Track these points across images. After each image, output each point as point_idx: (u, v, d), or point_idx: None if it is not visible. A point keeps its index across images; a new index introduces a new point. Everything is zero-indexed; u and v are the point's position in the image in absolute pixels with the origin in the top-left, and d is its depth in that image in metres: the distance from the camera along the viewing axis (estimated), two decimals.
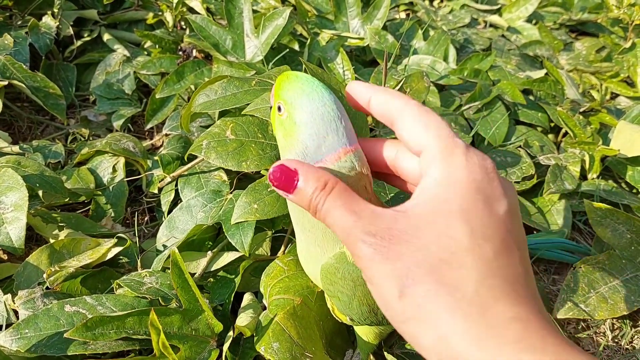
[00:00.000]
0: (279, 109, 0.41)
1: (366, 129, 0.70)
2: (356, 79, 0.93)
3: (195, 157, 0.73)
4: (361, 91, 0.39)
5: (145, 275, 0.56)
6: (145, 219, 0.78)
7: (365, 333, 0.52)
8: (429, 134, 0.34)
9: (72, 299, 0.51)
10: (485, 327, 0.29)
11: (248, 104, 0.62)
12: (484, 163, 0.33)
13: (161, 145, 0.89)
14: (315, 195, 0.34)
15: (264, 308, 0.54)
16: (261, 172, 0.66)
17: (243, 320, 0.53)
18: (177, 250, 0.53)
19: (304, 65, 0.85)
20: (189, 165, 0.72)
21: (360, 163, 0.40)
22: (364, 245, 0.32)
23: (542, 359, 0.27)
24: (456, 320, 0.29)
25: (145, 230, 0.76)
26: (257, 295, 0.61)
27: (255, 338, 0.49)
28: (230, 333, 0.53)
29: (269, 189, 0.62)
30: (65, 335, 0.46)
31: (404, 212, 0.32)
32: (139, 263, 0.64)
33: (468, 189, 0.32)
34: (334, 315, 0.51)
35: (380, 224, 0.32)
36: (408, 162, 0.38)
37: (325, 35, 0.99)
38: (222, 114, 0.77)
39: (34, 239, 0.72)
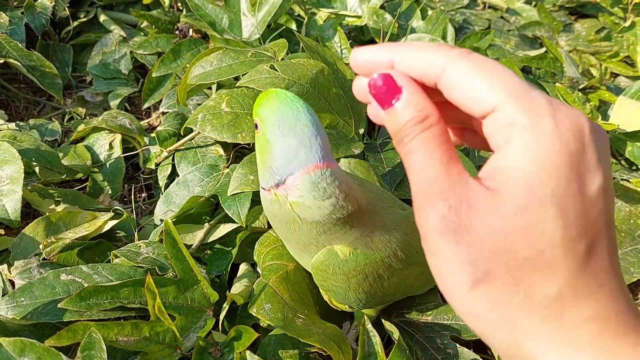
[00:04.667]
0: (256, 126, 0.41)
1: (362, 103, 0.70)
2: None
3: (192, 131, 0.73)
4: (374, 56, 0.31)
5: (142, 245, 0.56)
6: (143, 196, 0.78)
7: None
8: (496, 89, 0.26)
9: (68, 267, 0.51)
10: (560, 330, 0.26)
11: (244, 75, 0.61)
12: (578, 125, 0.26)
13: (158, 125, 0.88)
14: (409, 125, 0.29)
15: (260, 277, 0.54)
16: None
17: (237, 288, 0.53)
18: (170, 221, 0.52)
19: (301, 44, 0.85)
20: (186, 139, 0.72)
21: (331, 179, 0.39)
22: (435, 213, 0.27)
23: None
24: (531, 324, 0.26)
25: (143, 207, 0.76)
26: (254, 267, 0.61)
27: (249, 303, 0.48)
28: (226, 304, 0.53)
29: None
30: (59, 305, 0.46)
31: (489, 190, 0.27)
32: (136, 236, 0.64)
33: (562, 168, 0.26)
34: (333, 306, 0.51)
35: (463, 195, 0.27)
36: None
37: (322, 14, 0.98)
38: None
39: (31, 215, 0.72)
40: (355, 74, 0.32)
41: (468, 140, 0.35)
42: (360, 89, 0.32)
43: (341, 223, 0.41)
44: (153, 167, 0.76)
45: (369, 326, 0.46)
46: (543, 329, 0.26)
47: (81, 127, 0.77)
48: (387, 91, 0.29)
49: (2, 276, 0.54)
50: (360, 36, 1.07)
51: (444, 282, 0.28)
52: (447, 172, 0.27)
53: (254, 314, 0.46)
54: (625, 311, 0.26)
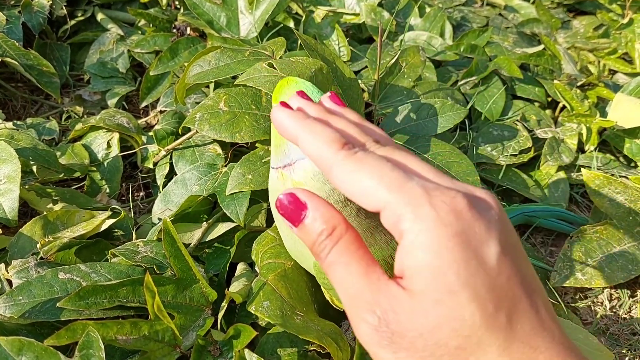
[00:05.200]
0: None
1: (361, 100, 0.70)
2: (352, 53, 0.92)
3: (190, 130, 0.73)
4: (286, 125, 0.34)
5: (140, 244, 0.56)
6: (141, 194, 0.77)
7: None
8: (378, 188, 0.28)
9: (66, 266, 0.51)
10: None
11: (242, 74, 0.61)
12: (455, 206, 0.27)
13: (156, 123, 0.88)
14: (321, 240, 0.31)
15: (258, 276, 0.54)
16: (256, 144, 0.66)
17: (235, 287, 0.53)
18: (168, 219, 0.52)
19: (299, 42, 0.84)
20: (184, 138, 0.72)
21: None
22: (367, 327, 0.28)
23: None
24: None
25: (141, 206, 0.75)
26: (252, 266, 0.61)
27: (248, 301, 0.48)
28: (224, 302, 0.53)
29: (263, 160, 0.61)
30: (58, 304, 0.46)
31: (405, 290, 0.28)
32: (134, 235, 0.63)
33: (455, 250, 0.27)
34: (334, 306, 0.51)
35: (387, 304, 0.28)
36: None
37: (320, 12, 0.98)
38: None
39: (28, 214, 0.71)
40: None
41: None
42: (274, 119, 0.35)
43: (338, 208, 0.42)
44: (151, 165, 0.76)
45: None
46: None
47: (79, 126, 0.77)
48: (294, 209, 0.32)
49: None
50: (359, 34, 1.07)
51: None
52: (368, 283, 0.29)
53: (252, 312, 0.46)
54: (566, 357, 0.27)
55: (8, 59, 0.81)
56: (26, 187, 0.66)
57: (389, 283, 0.29)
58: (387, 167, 0.29)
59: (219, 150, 0.71)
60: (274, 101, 0.42)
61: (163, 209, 0.66)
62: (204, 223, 0.61)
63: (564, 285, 0.65)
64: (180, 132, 0.75)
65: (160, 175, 0.73)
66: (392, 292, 0.28)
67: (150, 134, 0.78)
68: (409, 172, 0.29)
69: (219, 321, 0.51)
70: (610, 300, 0.69)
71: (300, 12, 1.02)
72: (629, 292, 0.70)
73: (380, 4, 1.07)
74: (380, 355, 0.29)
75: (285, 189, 0.42)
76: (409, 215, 0.27)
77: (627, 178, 0.80)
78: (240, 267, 0.59)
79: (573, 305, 0.68)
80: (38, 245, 0.56)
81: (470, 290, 0.26)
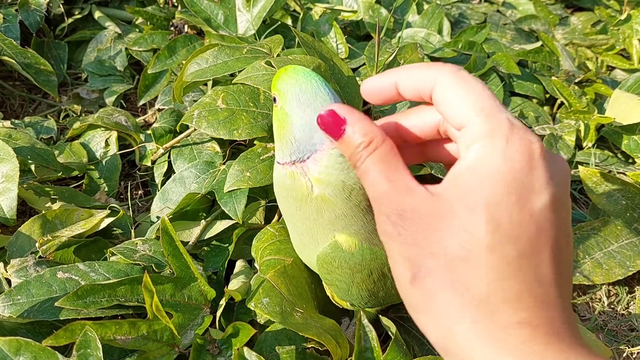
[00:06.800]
0: (274, 99, 0.42)
1: (359, 98, 0.70)
2: (349, 50, 0.92)
3: (188, 128, 0.73)
4: (381, 81, 0.35)
5: (138, 242, 0.56)
6: (139, 193, 0.77)
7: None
8: (471, 106, 0.30)
9: (65, 265, 0.51)
10: (490, 330, 0.28)
11: (240, 72, 0.61)
12: (528, 148, 0.28)
13: (154, 122, 0.88)
14: (359, 150, 0.33)
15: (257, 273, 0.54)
16: (254, 141, 0.66)
17: (234, 285, 0.53)
18: (166, 218, 0.52)
19: (296, 40, 0.84)
20: (182, 135, 0.72)
21: None
22: (387, 221, 0.31)
23: None
24: (464, 320, 0.28)
25: (140, 204, 0.75)
26: (251, 264, 0.61)
27: (247, 298, 0.48)
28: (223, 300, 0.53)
29: (261, 157, 0.61)
30: (56, 304, 0.46)
31: (433, 195, 0.30)
32: (132, 234, 0.63)
33: (502, 180, 0.28)
34: (334, 302, 0.51)
35: (407, 203, 0.31)
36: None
37: (318, 9, 0.98)
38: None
39: (27, 213, 0.71)
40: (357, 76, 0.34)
41: (432, 156, 0.39)
42: (368, 90, 0.36)
43: (354, 200, 0.41)
44: (149, 164, 0.76)
45: (365, 321, 0.46)
46: (474, 327, 0.28)
47: (77, 125, 0.77)
48: (334, 124, 0.34)
49: None
50: (356, 31, 1.07)
51: (394, 274, 0.32)
52: (395, 187, 0.31)
53: (252, 308, 0.46)
54: (558, 321, 0.28)
55: (5, 58, 0.81)
56: (24, 186, 0.66)
57: (417, 187, 0.31)
58: (488, 93, 0.30)
59: (217, 148, 0.71)
60: (273, 89, 0.42)
61: (161, 207, 0.66)
62: (203, 221, 0.61)
63: None
64: (178, 130, 0.75)
65: (158, 174, 0.73)
66: (417, 194, 0.31)
67: (149, 132, 0.78)
68: (503, 107, 0.30)
69: (217, 319, 0.51)
70: (608, 297, 0.69)
71: (298, 9, 1.02)
72: (627, 288, 0.70)
73: (378, 1, 1.07)
74: (394, 247, 0.31)
75: (296, 186, 0.42)
76: (484, 140, 0.29)
77: (625, 174, 0.80)
78: (239, 264, 0.59)
79: (571, 301, 0.69)
80: (37, 244, 0.56)
81: (491, 216, 0.28)
